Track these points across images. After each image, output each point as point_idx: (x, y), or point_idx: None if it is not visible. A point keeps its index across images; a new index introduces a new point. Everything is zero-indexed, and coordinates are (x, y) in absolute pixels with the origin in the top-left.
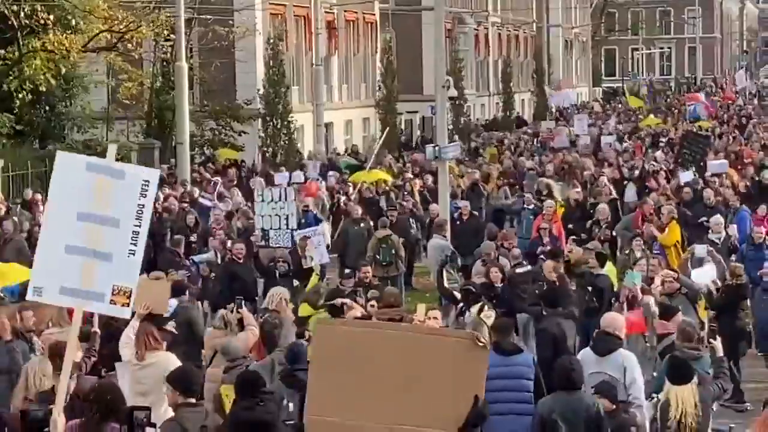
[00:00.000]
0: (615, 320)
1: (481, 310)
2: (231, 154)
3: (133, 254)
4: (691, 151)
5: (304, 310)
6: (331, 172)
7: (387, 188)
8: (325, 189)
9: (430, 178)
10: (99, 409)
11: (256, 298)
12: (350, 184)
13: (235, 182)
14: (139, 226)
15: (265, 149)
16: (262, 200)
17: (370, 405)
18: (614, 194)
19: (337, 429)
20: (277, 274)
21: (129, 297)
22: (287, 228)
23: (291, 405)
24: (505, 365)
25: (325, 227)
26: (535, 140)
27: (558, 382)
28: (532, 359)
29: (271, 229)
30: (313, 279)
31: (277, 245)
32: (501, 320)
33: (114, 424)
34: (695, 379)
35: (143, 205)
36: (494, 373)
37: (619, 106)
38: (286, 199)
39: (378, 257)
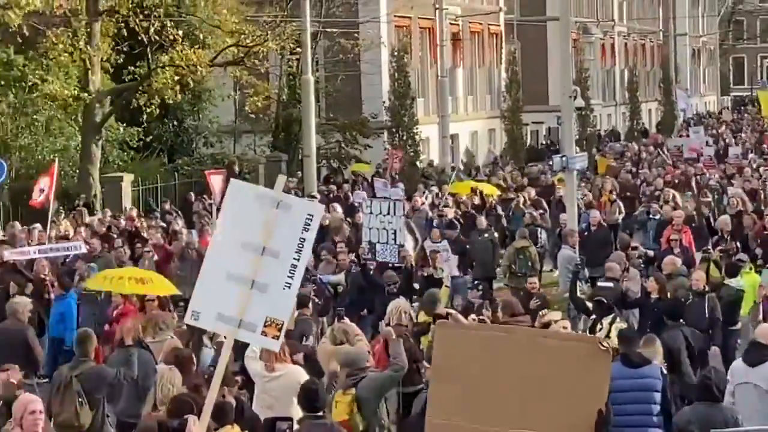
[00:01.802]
0: None
1: (612, 322)
2: (363, 168)
3: (289, 287)
4: None
5: (422, 316)
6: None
7: (492, 202)
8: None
9: (532, 191)
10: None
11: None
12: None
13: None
14: (298, 260)
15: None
16: (370, 212)
17: (492, 409)
18: (748, 206)
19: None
20: (386, 292)
21: (280, 330)
22: (394, 243)
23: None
24: (633, 377)
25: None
26: (659, 151)
27: (698, 394)
28: (660, 370)
29: (378, 242)
30: (444, 291)
31: (384, 259)
32: (627, 330)
33: None
34: None
35: (304, 239)
36: (622, 385)
37: (747, 116)
38: (394, 214)
39: (513, 267)
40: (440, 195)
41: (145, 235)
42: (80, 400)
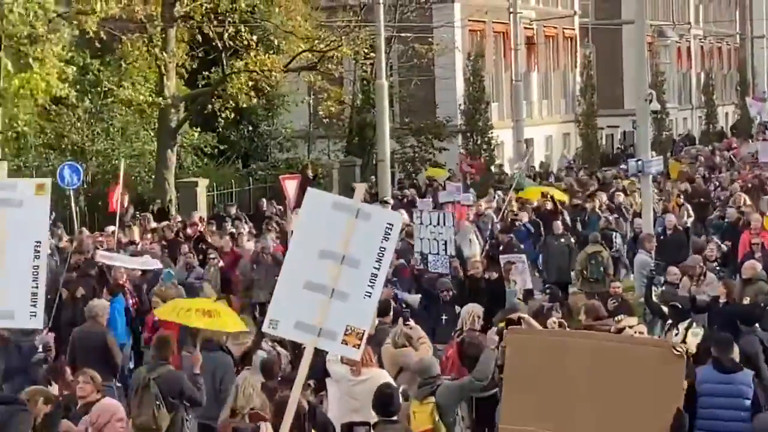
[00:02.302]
0: None
1: (689, 327)
2: (438, 173)
3: (369, 296)
4: None
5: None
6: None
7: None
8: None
9: (603, 196)
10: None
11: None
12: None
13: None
14: (378, 269)
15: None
16: (421, 223)
17: (565, 414)
18: None
19: None
20: (441, 301)
21: (361, 339)
22: (446, 254)
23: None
24: (724, 383)
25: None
26: (731, 156)
27: None
28: (752, 378)
29: (429, 253)
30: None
31: (435, 270)
32: (722, 336)
33: None
34: None
35: (384, 248)
36: (713, 390)
37: None
38: (444, 224)
39: (585, 272)
40: (505, 200)
41: (209, 240)
42: (158, 403)
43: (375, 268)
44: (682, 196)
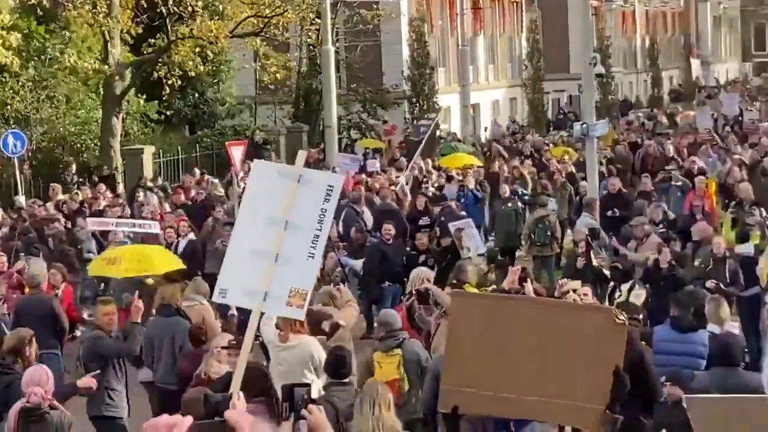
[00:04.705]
0: None
1: (631, 289)
2: (373, 143)
3: (312, 257)
4: None
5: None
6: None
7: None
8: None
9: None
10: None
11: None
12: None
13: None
14: (320, 230)
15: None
16: None
17: (507, 376)
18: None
19: (473, 399)
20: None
21: (304, 299)
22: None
23: None
24: (680, 342)
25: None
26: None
27: (716, 358)
28: (708, 337)
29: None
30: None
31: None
32: (683, 295)
33: (260, 402)
34: None
35: (325, 210)
36: (669, 348)
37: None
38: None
39: (533, 237)
40: (423, 168)
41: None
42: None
43: (317, 229)
44: (604, 163)
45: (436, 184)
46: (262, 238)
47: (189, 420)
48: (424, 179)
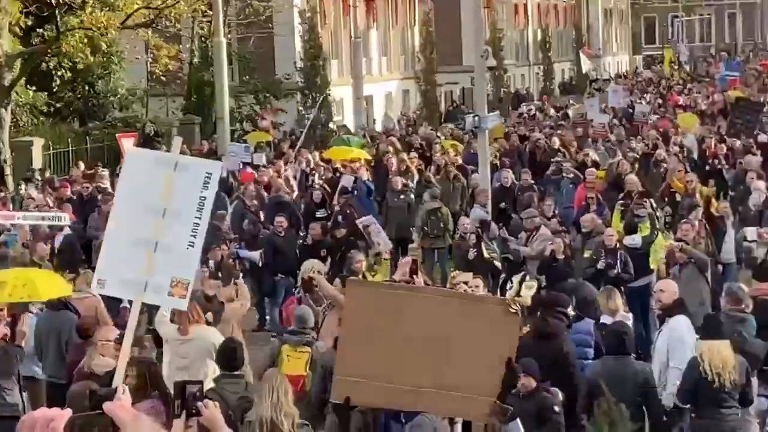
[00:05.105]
0: None
1: (522, 281)
2: (262, 137)
3: (192, 246)
4: (743, 120)
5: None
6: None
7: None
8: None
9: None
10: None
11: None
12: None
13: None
14: (200, 218)
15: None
16: None
17: (402, 368)
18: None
19: (364, 389)
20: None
21: (186, 289)
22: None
23: None
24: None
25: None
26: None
27: (607, 347)
28: (592, 326)
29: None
30: (384, 264)
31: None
32: (566, 285)
33: (154, 399)
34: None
35: (205, 197)
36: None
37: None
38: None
39: (426, 228)
40: (311, 161)
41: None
42: None
43: (197, 218)
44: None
45: (324, 177)
46: (141, 226)
47: (68, 413)
48: (312, 172)
